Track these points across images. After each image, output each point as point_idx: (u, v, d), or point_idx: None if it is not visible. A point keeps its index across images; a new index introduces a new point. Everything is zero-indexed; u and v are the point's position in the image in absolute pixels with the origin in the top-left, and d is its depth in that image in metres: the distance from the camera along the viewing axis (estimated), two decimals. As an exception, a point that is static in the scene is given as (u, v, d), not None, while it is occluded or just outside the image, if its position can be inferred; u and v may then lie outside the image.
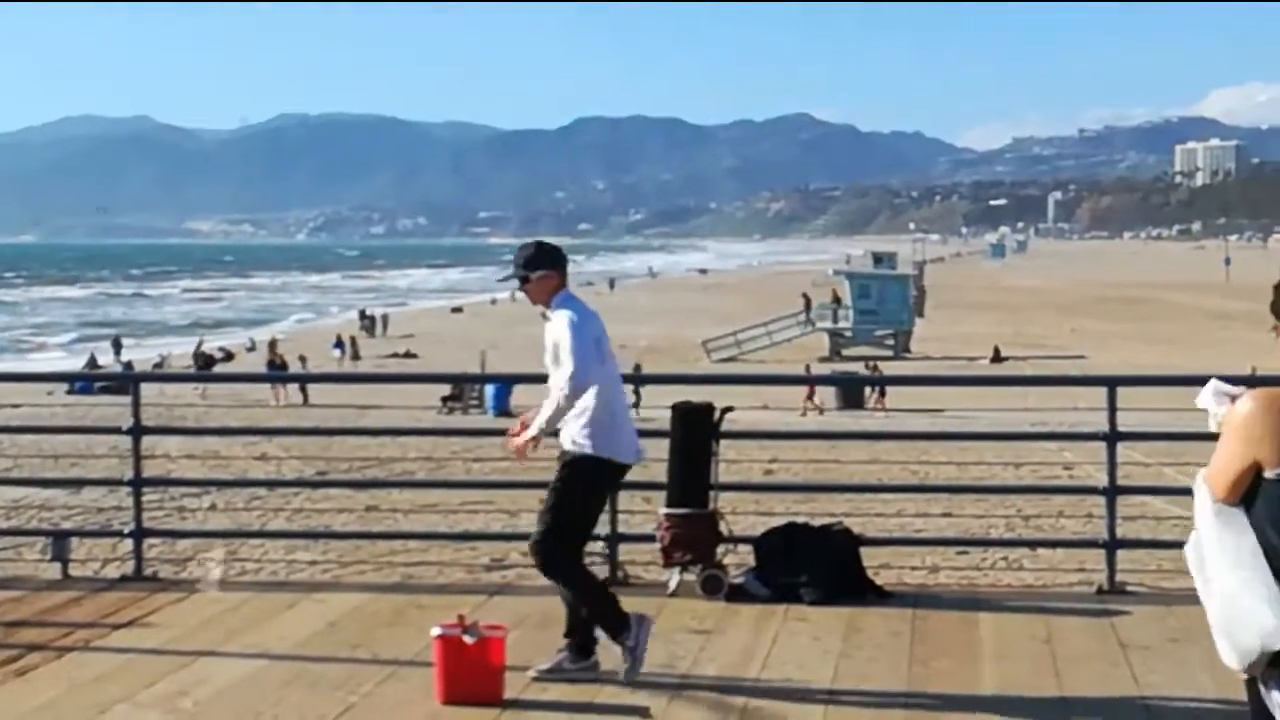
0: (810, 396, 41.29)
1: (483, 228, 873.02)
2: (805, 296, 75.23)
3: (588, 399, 7.95)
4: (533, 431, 7.99)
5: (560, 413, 7.90)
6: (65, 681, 8.20)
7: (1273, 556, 4.15)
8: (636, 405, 11.38)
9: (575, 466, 8.07)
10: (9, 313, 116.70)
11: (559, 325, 8.03)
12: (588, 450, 8.02)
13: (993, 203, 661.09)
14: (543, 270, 8.17)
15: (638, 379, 15.06)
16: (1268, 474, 4.20)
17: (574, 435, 8.06)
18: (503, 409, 35.44)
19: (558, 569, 8.04)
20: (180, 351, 67.49)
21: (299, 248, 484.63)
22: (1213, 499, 4.37)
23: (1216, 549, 4.36)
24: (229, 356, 64.14)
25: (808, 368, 51.53)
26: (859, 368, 56.61)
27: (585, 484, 8.11)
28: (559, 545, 8.04)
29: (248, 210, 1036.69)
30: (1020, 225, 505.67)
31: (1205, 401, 4.60)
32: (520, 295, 8.46)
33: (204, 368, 54.68)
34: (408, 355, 65.20)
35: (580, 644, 8.11)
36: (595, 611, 8.06)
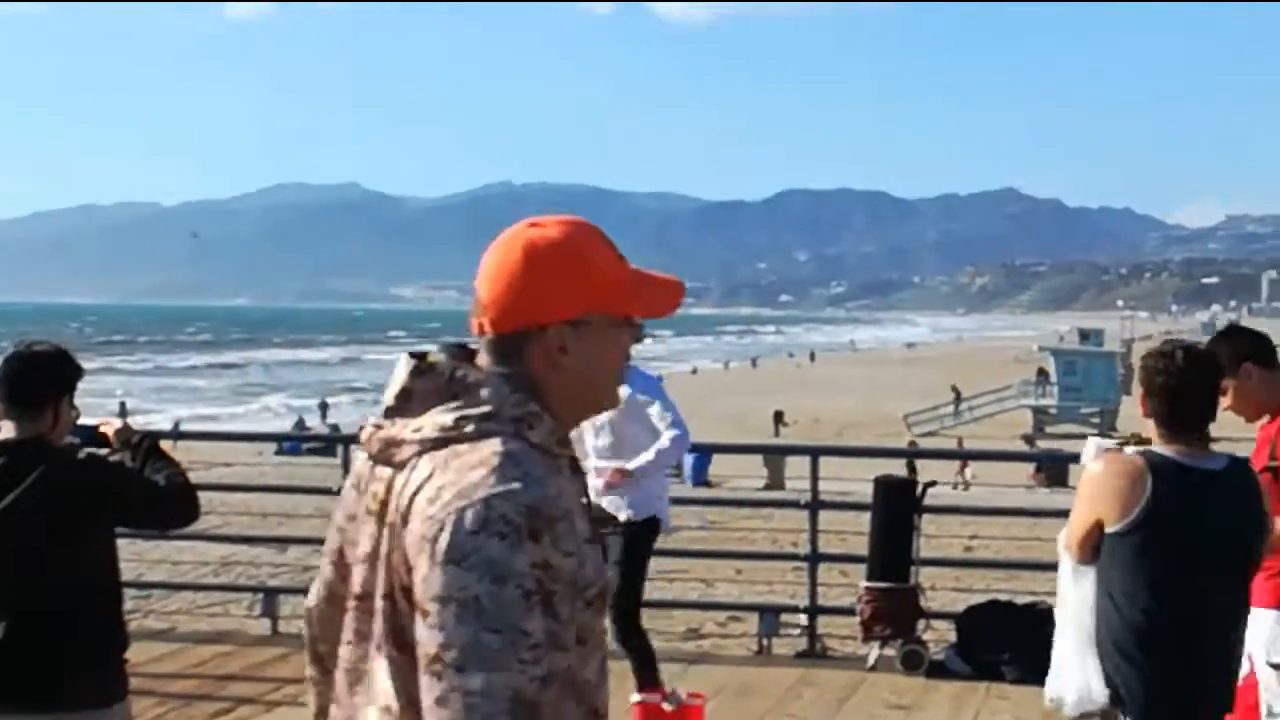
0: (963, 470, 41.23)
1: (685, 298, 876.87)
2: (954, 389, 73.10)
3: (652, 464, 7.91)
4: (631, 467, 7.88)
5: (662, 462, 7.89)
6: (273, 735, 8.37)
7: (1116, 608, 4.65)
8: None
9: (641, 533, 8.02)
10: (268, 374, 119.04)
11: (638, 390, 7.89)
12: (649, 514, 8.00)
13: (1204, 280, 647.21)
14: None
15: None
16: (1109, 530, 4.65)
17: (639, 502, 8.01)
18: (701, 479, 35.44)
19: (633, 637, 8.05)
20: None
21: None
22: (1070, 559, 4.87)
23: (1065, 608, 4.95)
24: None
25: (960, 442, 51.14)
26: (1063, 445, 55.59)
27: (647, 549, 8.14)
28: (636, 615, 8.12)
29: (452, 276, 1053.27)
30: (1233, 304, 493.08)
31: (1090, 460, 5.04)
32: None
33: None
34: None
35: None
36: (643, 673, 8.03)
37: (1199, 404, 4.75)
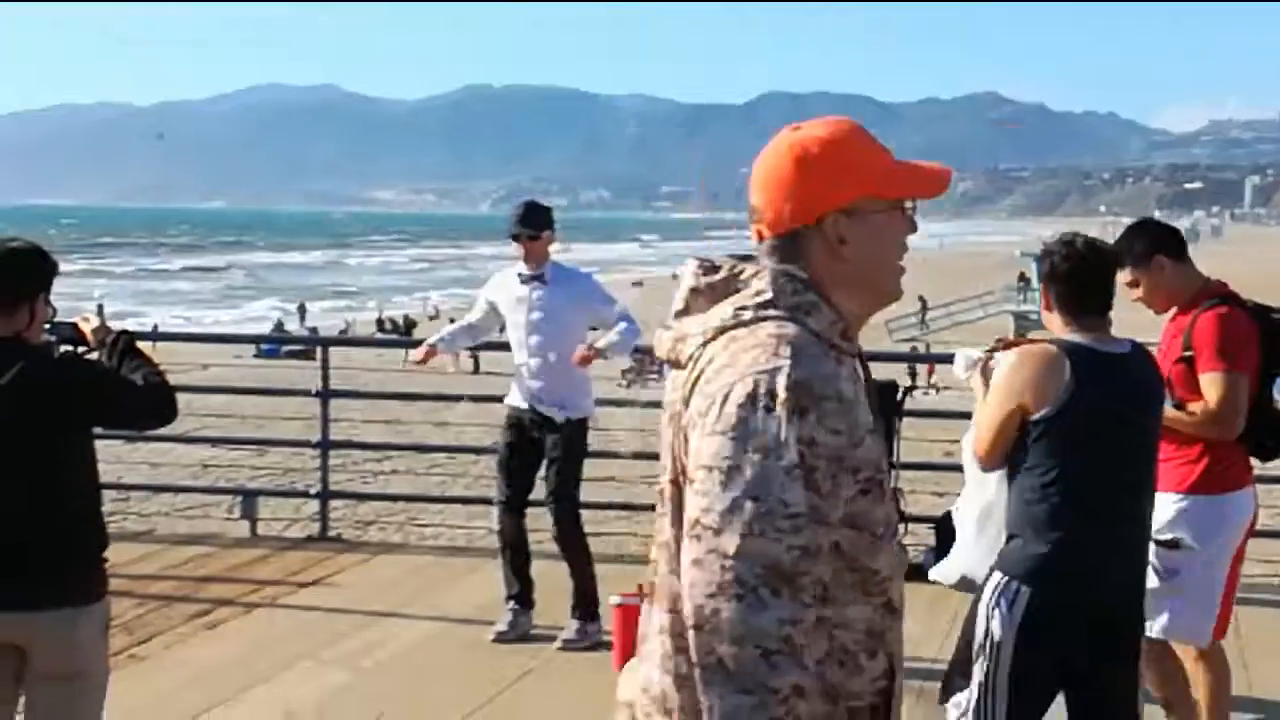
0: (930, 375, 41.69)
1: (664, 202, 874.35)
2: (921, 299, 72.05)
3: (618, 345, 8.22)
4: (601, 345, 8.17)
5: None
6: (253, 637, 8.39)
7: (1041, 493, 4.67)
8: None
9: (576, 432, 8.24)
10: (252, 277, 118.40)
11: (592, 287, 8.38)
12: (585, 415, 8.28)
13: (1187, 186, 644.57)
14: (550, 230, 8.29)
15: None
16: (1033, 417, 4.69)
17: (574, 401, 8.23)
18: (682, 382, 35.57)
19: (576, 532, 8.39)
20: (365, 318, 68.56)
21: (496, 219, 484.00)
22: (978, 465, 4.99)
23: (973, 504, 5.21)
24: (411, 324, 65.02)
25: (927, 346, 52.57)
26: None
27: (583, 447, 8.38)
28: (577, 511, 8.42)
29: (431, 180, 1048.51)
30: (1215, 210, 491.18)
31: (961, 371, 5.37)
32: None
33: (406, 333, 55.52)
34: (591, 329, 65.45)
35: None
36: (590, 574, 8.38)
37: (1101, 289, 4.87)
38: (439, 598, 9.14)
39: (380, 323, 64.48)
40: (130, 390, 4.89)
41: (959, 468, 13.93)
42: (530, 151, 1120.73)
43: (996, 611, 4.74)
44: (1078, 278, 4.84)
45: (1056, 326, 4.88)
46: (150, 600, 8.99)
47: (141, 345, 5.19)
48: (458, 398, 15.03)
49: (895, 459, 10.18)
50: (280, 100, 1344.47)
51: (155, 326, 48.98)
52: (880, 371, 11.09)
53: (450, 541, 12.60)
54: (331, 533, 11.43)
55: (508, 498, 8.46)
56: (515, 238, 8.18)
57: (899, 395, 10.32)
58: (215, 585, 9.54)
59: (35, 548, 4.65)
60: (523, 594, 8.43)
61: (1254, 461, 6.22)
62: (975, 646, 4.82)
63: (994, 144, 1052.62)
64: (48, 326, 4.94)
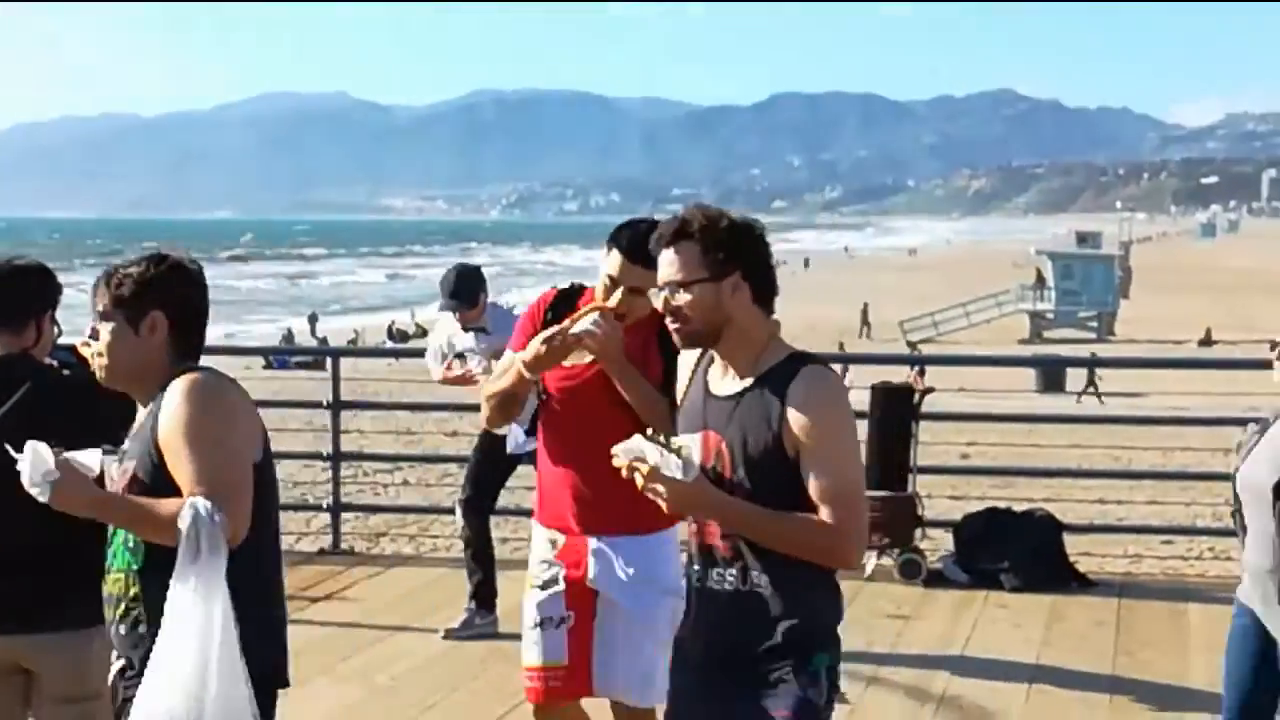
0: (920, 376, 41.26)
1: (676, 205, 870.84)
2: (865, 306, 65.34)
3: None
4: None
5: None
6: (265, 653, 8.30)
7: None
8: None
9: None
10: (269, 288, 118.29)
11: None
12: None
13: (1203, 180, 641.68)
14: (484, 294, 8.50)
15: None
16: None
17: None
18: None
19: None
20: (375, 326, 68.45)
21: (507, 224, 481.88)
22: None
23: None
24: (423, 332, 64.90)
25: (917, 349, 51.61)
26: (1061, 350, 55.27)
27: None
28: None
29: (441, 186, 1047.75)
30: (1232, 204, 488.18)
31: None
32: None
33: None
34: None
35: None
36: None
37: None
38: (453, 610, 9.03)
39: (391, 331, 64.36)
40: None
41: (976, 470, 13.79)
42: (540, 156, 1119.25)
43: None
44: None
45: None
46: (160, 618, 8.90)
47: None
48: (469, 406, 14.96)
49: (913, 464, 10.09)
50: (289, 108, 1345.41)
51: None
52: (885, 374, 10.98)
53: (462, 553, 12.53)
54: (343, 545, 11.35)
55: (469, 497, 8.68)
56: (453, 310, 8.36)
57: (915, 399, 10.24)
58: (227, 601, 9.45)
59: (45, 567, 4.59)
60: (483, 594, 8.64)
61: None
62: None
63: (1008, 141, 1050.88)
64: (50, 350, 4.89)
